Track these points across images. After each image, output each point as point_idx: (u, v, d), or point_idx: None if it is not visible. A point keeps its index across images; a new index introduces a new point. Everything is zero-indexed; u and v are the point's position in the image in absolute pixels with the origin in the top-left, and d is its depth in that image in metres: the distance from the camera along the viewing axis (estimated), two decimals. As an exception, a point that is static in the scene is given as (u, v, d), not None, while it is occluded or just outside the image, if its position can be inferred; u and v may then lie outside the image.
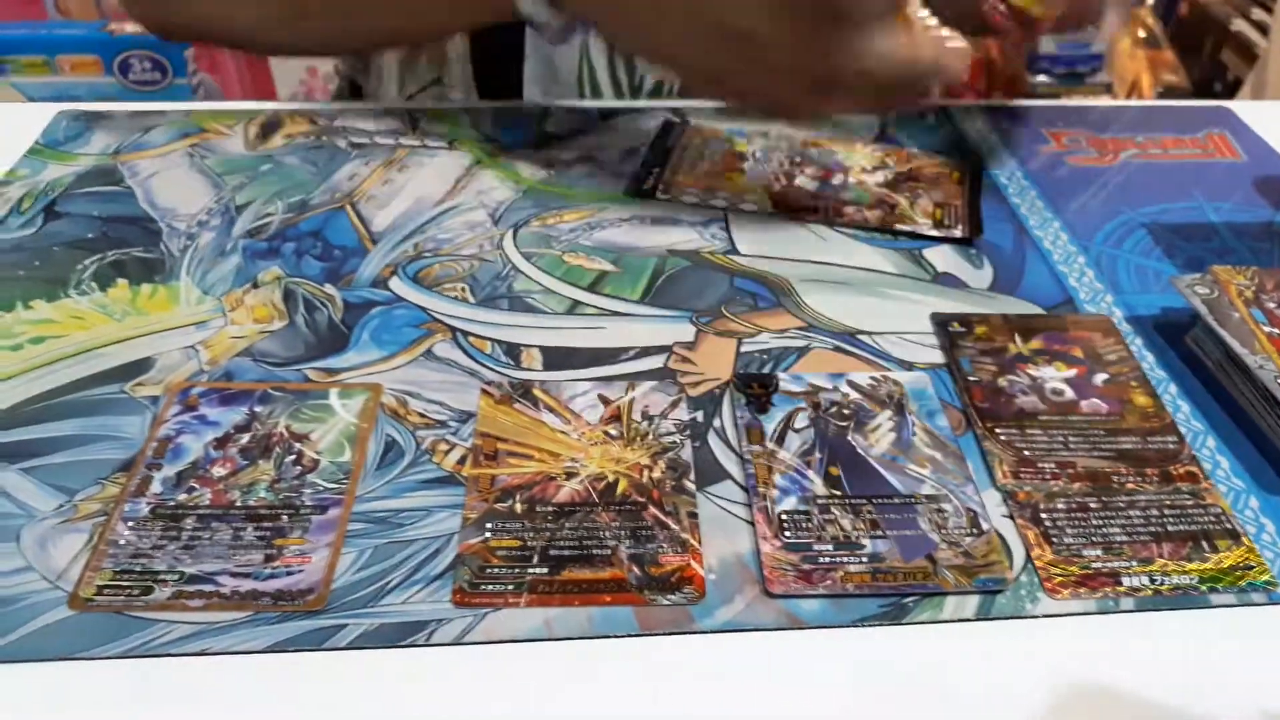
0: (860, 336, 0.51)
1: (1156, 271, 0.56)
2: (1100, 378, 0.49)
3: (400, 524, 0.40)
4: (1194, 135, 0.69)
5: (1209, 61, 2.08)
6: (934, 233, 0.58)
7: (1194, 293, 0.49)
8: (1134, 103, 0.71)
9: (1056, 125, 0.69)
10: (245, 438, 0.43)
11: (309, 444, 0.43)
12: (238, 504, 0.41)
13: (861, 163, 0.63)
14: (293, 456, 0.43)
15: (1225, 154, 0.67)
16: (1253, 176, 0.65)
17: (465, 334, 0.49)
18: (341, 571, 0.38)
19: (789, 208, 0.59)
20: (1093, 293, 0.54)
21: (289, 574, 0.38)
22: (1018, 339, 0.51)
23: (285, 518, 0.40)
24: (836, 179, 0.61)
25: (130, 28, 1.35)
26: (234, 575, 0.38)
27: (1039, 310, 0.53)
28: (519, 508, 0.41)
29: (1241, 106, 0.72)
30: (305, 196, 0.59)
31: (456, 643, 0.36)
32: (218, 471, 0.42)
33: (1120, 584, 0.39)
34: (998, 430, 0.46)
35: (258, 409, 0.45)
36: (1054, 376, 0.49)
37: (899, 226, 0.58)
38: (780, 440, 0.44)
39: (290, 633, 0.36)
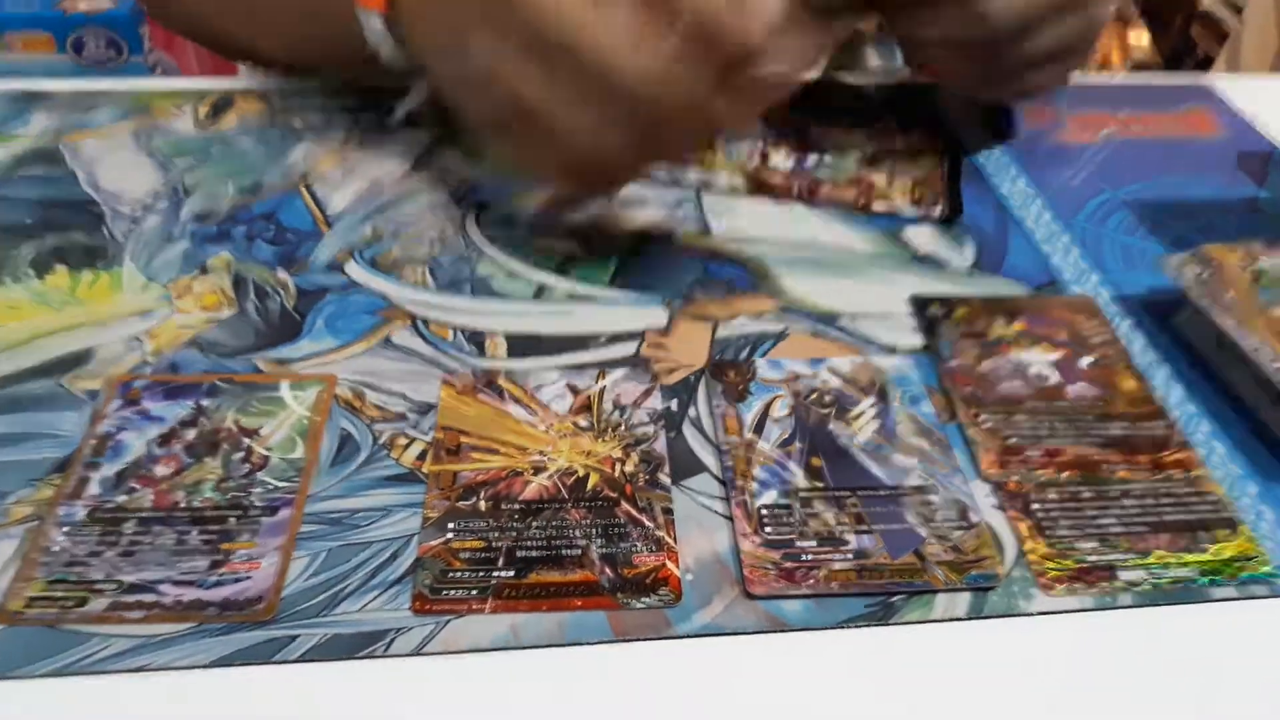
0: (840, 320, 0.48)
1: (1142, 250, 0.54)
2: (1086, 361, 0.47)
3: (356, 525, 0.38)
4: (1174, 111, 0.67)
5: (1178, 38, 2.07)
6: (912, 212, 0.56)
7: (1184, 273, 0.48)
8: (1113, 79, 0.69)
9: (1035, 102, 0.67)
10: (191, 434, 0.41)
11: (258, 440, 0.41)
12: (182, 505, 0.38)
13: (838, 140, 0.61)
14: (241, 453, 0.40)
15: (1206, 130, 0.66)
16: (1234, 152, 0.63)
17: (425, 321, 0.47)
18: (292, 578, 0.36)
19: (763, 186, 0.57)
20: (1078, 273, 0.52)
21: (236, 581, 0.36)
22: (999, 321, 0.49)
23: (233, 520, 0.38)
24: (811, 157, 0.59)
25: (84, 5, 1.31)
26: (177, 584, 0.35)
27: (1022, 291, 0.51)
28: (483, 506, 0.38)
29: (1221, 81, 0.70)
30: (257, 178, 0.56)
31: (416, 653, 0.34)
32: (161, 470, 0.39)
33: (1117, 578, 0.38)
34: (981, 417, 0.44)
35: (204, 403, 0.42)
36: (1038, 360, 0.47)
37: (876, 206, 0.56)
38: (759, 430, 0.42)
39: (237, 645, 0.34)
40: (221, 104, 0.62)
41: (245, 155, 0.58)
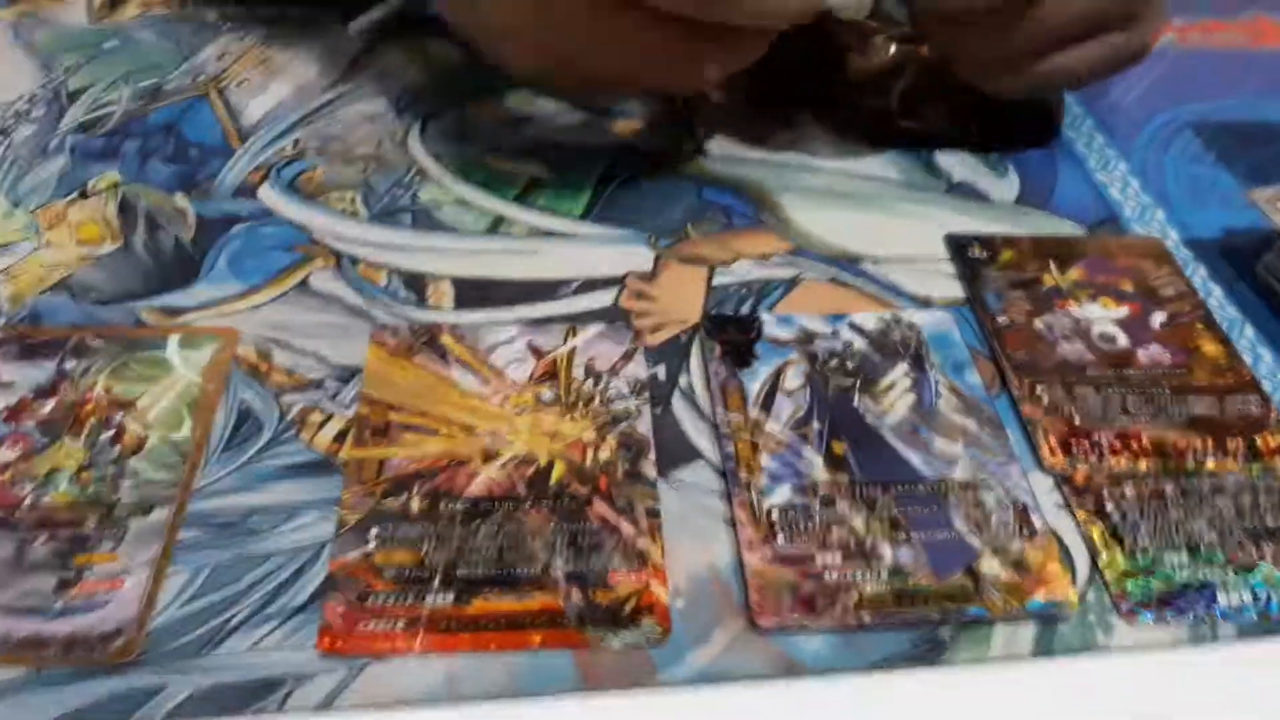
0: (863, 264, 0.40)
1: (1213, 181, 0.46)
2: (1158, 318, 0.39)
3: (251, 531, 0.29)
4: (1237, 18, 0.58)
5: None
6: (947, 132, 0.47)
7: (1278, 210, 0.39)
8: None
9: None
10: (48, 405, 0.32)
11: (134, 414, 0.32)
12: (27, 503, 0.29)
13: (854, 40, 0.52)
14: (111, 432, 0.31)
15: (1275, 41, 0.57)
16: (1310, 67, 0.55)
17: (353, 260, 0.38)
18: (164, 604, 0.28)
19: (770, 99, 0.48)
20: (1140, 208, 0.44)
21: (89, 608, 0.27)
22: (1054, 267, 0.41)
23: (93, 522, 0.29)
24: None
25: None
26: (10, 612, 0.27)
27: (1077, 230, 0.43)
28: (417, 505, 0.30)
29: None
30: (159, 80, 0.46)
31: (324, 708, 0.26)
32: (4, 455, 0.31)
33: (1215, 601, 0.30)
34: (1038, 389, 0.36)
35: (69, 365, 0.33)
36: (1101, 316, 0.39)
37: (902, 123, 0.47)
38: (766, 405, 0.34)
39: (85, 698, 0.26)
40: (121, -9, 0.52)
41: (145, 53, 0.48)
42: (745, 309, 0.37)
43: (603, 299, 0.37)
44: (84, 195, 0.40)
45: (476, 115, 0.45)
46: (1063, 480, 0.33)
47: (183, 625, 0.27)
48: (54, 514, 0.29)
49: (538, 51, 0.38)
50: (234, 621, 0.27)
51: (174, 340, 0.34)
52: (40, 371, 0.33)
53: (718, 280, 0.39)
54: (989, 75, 0.43)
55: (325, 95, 0.46)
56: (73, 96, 0.45)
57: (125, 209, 0.40)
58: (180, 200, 0.40)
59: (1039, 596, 0.29)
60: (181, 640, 0.27)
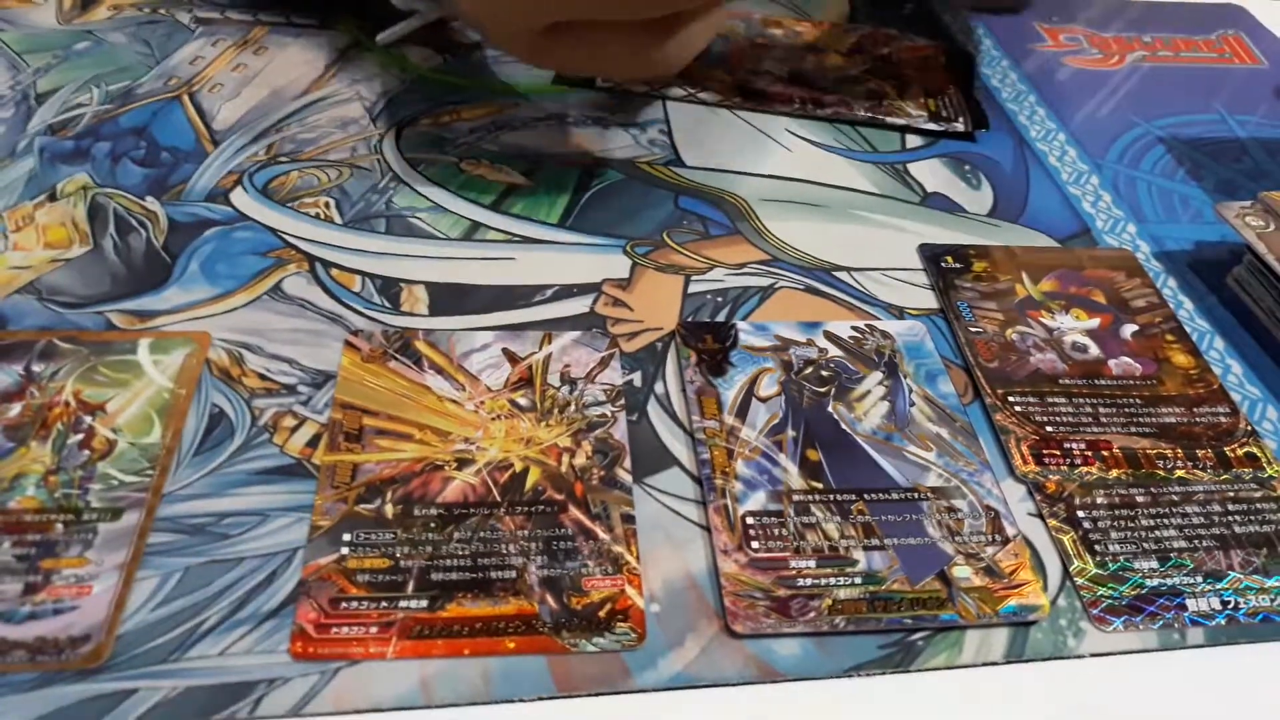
0: (837, 274, 0.40)
1: (1184, 196, 0.46)
2: (1129, 329, 0.39)
3: (223, 535, 0.29)
4: (1206, 36, 0.59)
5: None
6: (932, 126, 0.47)
7: (1247, 224, 0.40)
8: (1134, -5, 0.61)
9: (1052, 21, 0.59)
10: (15, 409, 0.32)
11: (104, 418, 0.32)
12: (-7, 506, 0.29)
13: (835, 45, 0.52)
14: (79, 436, 0.31)
15: (1244, 59, 0.58)
16: (1277, 85, 0.55)
17: (327, 265, 0.38)
18: (134, 608, 0.27)
19: (758, 97, 0.48)
20: (1111, 221, 0.44)
21: (57, 613, 0.27)
22: (1026, 279, 0.41)
23: (60, 527, 0.29)
24: (809, 63, 0.50)
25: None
26: (-25, 616, 0.27)
27: (1049, 243, 0.43)
28: (390, 510, 0.30)
29: (1255, 5, 0.62)
30: (131, 83, 0.46)
31: (296, 713, 0.26)
32: (-30, 458, 0.30)
33: (1185, 607, 0.30)
34: (1011, 399, 0.36)
35: (36, 368, 0.33)
36: (1073, 327, 0.39)
37: (891, 119, 0.47)
38: (742, 413, 0.34)
39: (55, 703, 0.25)
40: (93, -8, 0.51)
41: (117, 54, 0.48)
42: (721, 317, 0.38)
43: (579, 305, 0.37)
44: (53, 197, 0.40)
45: (453, 121, 0.45)
46: (1035, 488, 0.33)
47: (153, 630, 0.27)
48: (21, 519, 0.29)
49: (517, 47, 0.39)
50: (205, 626, 0.27)
51: (145, 344, 0.34)
52: (6, 375, 0.33)
53: (694, 288, 0.39)
54: None
55: (300, 100, 0.46)
56: (41, 98, 0.45)
57: (95, 212, 0.39)
58: (151, 203, 0.40)
59: (1011, 601, 0.29)
60: (152, 644, 0.27)
